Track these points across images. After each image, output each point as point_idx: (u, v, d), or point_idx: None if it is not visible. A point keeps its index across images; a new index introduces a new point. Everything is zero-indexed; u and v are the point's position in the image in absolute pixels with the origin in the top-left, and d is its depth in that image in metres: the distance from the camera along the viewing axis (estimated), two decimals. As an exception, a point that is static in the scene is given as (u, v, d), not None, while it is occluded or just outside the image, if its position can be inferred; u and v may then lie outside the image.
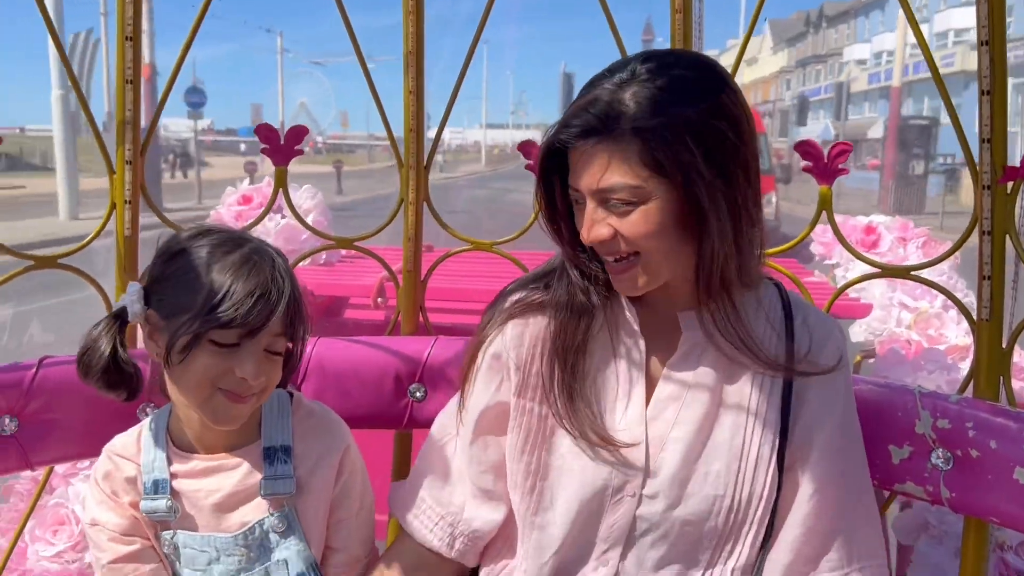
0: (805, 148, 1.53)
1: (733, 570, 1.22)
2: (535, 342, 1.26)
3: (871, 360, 2.09)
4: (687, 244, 1.14)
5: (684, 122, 1.08)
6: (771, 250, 1.70)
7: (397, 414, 1.65)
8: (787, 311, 1.25)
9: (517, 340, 1.27)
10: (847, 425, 1.24)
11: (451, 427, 1.34)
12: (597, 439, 1.19)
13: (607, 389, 1.24)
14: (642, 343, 1.23)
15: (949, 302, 2.05)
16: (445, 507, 1.30)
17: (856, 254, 1.62)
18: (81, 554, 1.78)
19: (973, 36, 1.39)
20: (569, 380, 1.23)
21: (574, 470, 1.22)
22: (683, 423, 1.20)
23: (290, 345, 1.19)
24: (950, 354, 1.96)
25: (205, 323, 1.09)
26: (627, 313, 1.24)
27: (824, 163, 1.52)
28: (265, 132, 1.63)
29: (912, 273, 1.59)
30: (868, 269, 1.75)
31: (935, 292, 2.09)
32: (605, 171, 1.11)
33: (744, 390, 1.21)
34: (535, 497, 1.25)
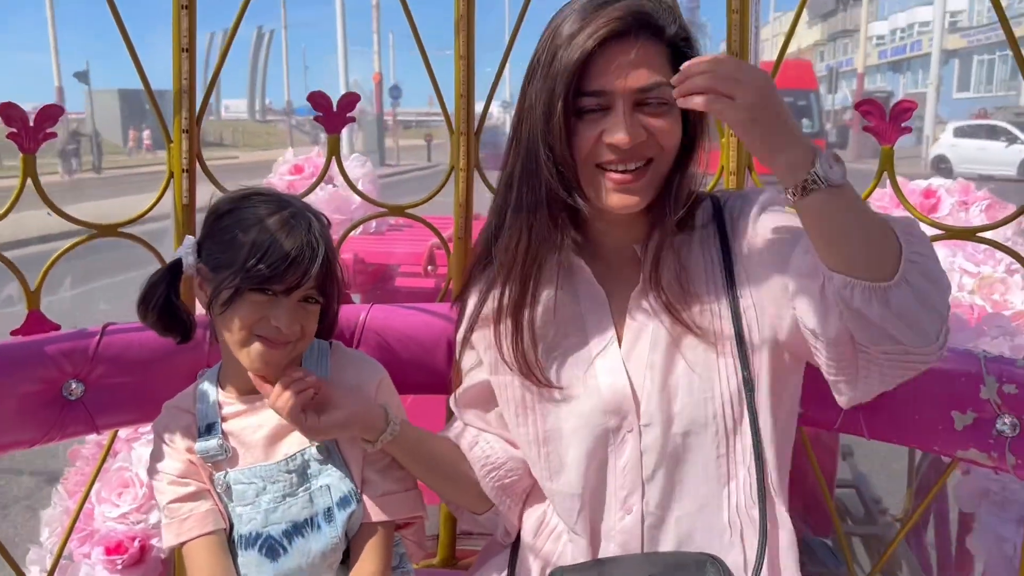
0: (866, 107, 1.48)
1: (748, 470, 1.22)
2: (498, 318, 1.30)
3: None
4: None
5: (690, 36, 1.15)
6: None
7: (449, 381, 1.66)
8: (717, 210, 1.27)
9: (484, 320, 1.32)
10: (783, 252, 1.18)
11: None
12: (580, 390, 1.24)
13: (579, 340, 1.27)
14: (602, 291, 1.27)
15: (1013, 267, 2.00)
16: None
17: (918, 215, 1.58)
18: (146, 515, 1.83)
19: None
20: (529, 347, 1.26)
21: (572, 426, 1.24)
22: (656, 345, 1.22)
23: (322, 300, 1.26)
24: (1015, 320, 1.90)
25: (245, 279, 1.17)
26: (578, 260, 1.26)
27: (886, 121, 1.48)
28: (317, 99, 1.64)
29: (978, 235, 1.54)
30: (929, 232, 1.70)
31: (998, 257, 2.03)
32: (650, 68, 1.12)
33: (699, 294, 1.22)
34: (544, 463, 1.28)
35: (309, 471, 1.27)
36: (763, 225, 1.21)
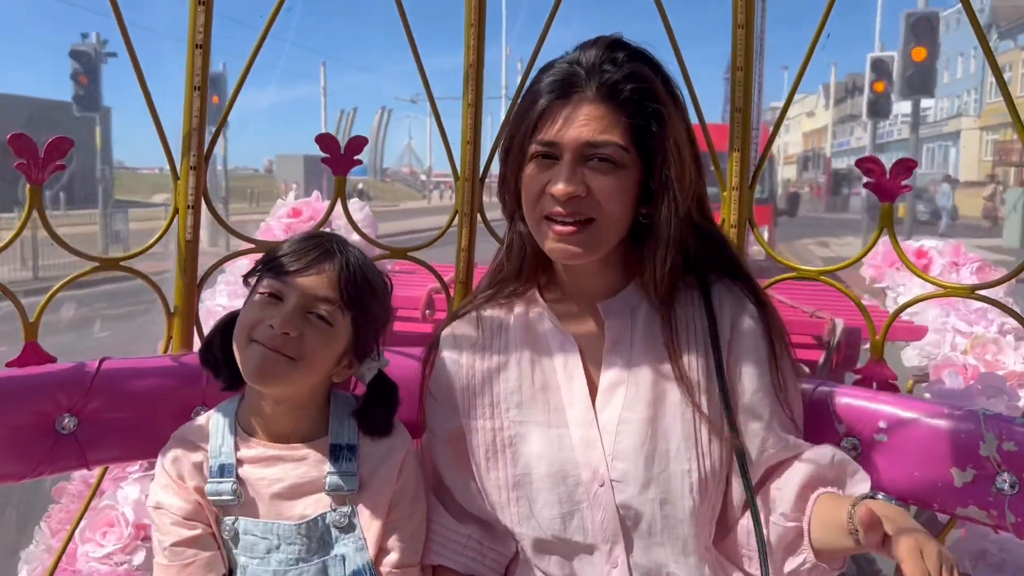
0: (867, 165, 1.51)
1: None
2: (471, 364, 1.32)
3: (923, 384, 2.05)
4: (628, 225, 1.22)
5: (668, 112, 1.19)
6: (827, 268, 1.68)
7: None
8: (703, 288, 1.29)
9: (455, 366, 1.33)
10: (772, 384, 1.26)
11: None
12: (560, 427, 1.25)
13: (551, 388, 1.28)
14: (572, 339, 1.29)
15: (1005, 327, 2.02)
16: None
17: (918, 272, 1.60)
18: (130, 556, 1.79)
19: None
20: (513, 391, 1.28)
21: (541, 474, 1.25)
22: (632, 405, 1.24)
23: (332, 323, 1.19)
24: (1009, 380, 1.92)
25: (260, 271, 1.20)
26: (547, 313, 1.31)
27: (886, 179, 1.50)
28: (326, 142, 1.65)
29: (977, 292, 1.56)
30: (922, 292, 1.72)
31: (990, 317, 2.06)
32: (602, 126, 1.16)
33: (683, 366, 1.24)
34: (514, 507, 1.28)
35: (328, 538, 1.22)
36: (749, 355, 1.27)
